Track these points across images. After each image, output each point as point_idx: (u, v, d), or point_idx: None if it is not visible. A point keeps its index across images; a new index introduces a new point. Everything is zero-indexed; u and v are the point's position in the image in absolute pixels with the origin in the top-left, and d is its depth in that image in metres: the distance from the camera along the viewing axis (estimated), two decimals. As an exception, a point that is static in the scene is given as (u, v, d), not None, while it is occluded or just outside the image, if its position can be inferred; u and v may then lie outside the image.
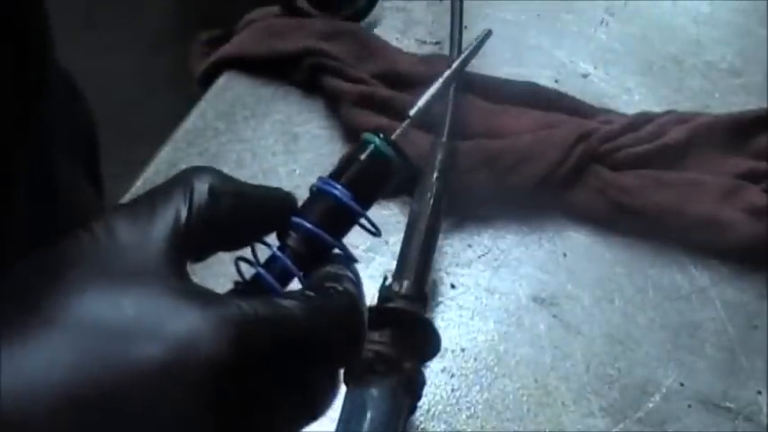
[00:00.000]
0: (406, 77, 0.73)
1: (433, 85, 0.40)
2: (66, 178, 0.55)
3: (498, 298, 0.64)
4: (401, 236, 0.59)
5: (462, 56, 0.42)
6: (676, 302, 0.65)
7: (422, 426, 0.57)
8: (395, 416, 0.50)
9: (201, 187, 0.32)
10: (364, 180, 0.36)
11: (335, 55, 0.73)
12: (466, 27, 0.76)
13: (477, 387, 0.59)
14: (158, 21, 2.01)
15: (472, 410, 0.58)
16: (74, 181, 0.59)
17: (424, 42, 0.81)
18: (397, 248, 0.58)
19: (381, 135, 0.37)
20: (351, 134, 0.71)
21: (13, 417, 0.26)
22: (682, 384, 0.60)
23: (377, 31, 0.81)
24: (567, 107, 0.74)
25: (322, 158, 0.70)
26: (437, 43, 0.81)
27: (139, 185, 0.66)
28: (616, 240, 0.68)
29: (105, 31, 1.96)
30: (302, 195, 0.37)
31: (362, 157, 0.36)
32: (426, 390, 0.55)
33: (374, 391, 0.50)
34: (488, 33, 0.44)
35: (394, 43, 0.78)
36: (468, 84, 0.72)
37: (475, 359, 0.60)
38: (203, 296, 0.30)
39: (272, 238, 0.35)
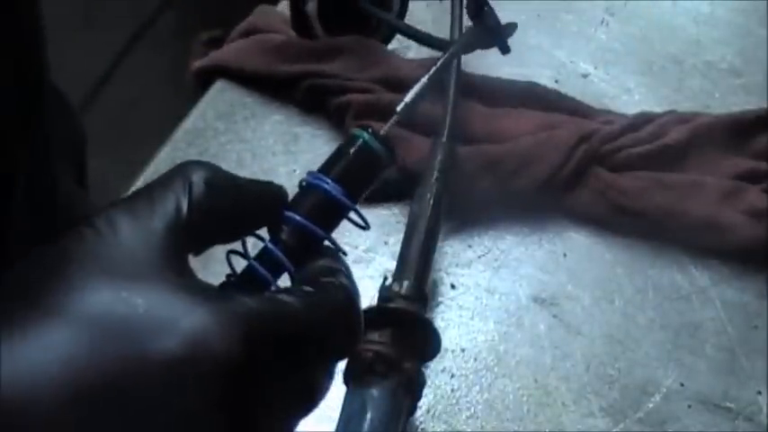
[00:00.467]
0: (408, 82, 0.73)
1: (419, 81, 0.40)
2: (63, 179, 0.55)
3: (498, 298, 0.64)
4: (401, 236, 0.59)
5: (447, 53, 0.42)
6: (676, 302, 0.65)
7: (422, 426, 0.57)
8: (395, 416, 0.50)
9: (199, 179, 0.32)
10: (353, 174, 0.37)
11: (336, 73, 0.72)
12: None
13: (477, 387, 0.59)
14: (158, 21, 2.01)
15: (472, 410, 0.58)
16: (69, 183, 0.59)
17: (424, 42, 0.81)
18: (397, 248, 0.58)
19: (370, 130, 0.37)
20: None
21: (13, 405, 0.26)
22: (682, 384, 0.60)
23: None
24: (568, 108, 0.74)
25: (322, 158, 0.68)
26: (437, 43, 0.81)
27: (139, 185, 0.66)
28: (616, 241, 0.68)
29: (105, 31, 1.95)
30: (302, 195, 0.37)
31: (351, 151, 0.37)
32: (426, 390, 0.55)
33: (374, 392, 0.50)
34: (472, 29, 0.43)
35: (394, 44, 0.78)
36: (468, 84, 0.72)
37: (475, 359, 0.60)
38: (208, 291, 0.30)
39: (262, 232, 0.36)
